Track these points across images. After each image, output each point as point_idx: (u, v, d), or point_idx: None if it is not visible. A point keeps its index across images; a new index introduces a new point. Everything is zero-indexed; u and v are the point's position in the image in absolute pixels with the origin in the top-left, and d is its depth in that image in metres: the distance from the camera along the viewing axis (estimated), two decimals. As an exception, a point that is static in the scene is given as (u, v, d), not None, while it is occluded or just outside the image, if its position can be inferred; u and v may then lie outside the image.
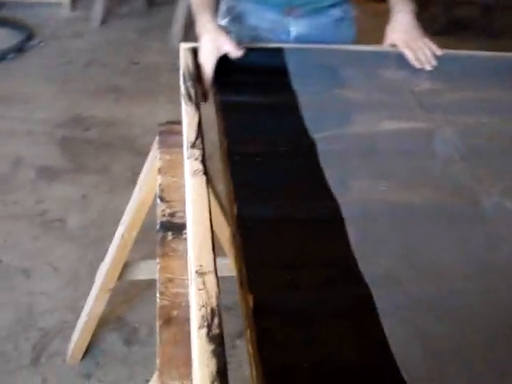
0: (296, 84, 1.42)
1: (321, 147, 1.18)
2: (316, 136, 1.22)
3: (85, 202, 2.46)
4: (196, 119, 1.19)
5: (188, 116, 1.20)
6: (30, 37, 3.92)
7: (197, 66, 1.43)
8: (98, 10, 4.28)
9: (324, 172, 1.11)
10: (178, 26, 3.96)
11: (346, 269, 0.89)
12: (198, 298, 0.77)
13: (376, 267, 0.89)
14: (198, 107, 1.24)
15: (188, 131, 1.14)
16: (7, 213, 2.40)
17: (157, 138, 1.45)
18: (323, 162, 1.14)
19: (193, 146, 1.09)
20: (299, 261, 0.90)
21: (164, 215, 1.15)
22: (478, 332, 0.80)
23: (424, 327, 0.80)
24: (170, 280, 1.00)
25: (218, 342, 0.72)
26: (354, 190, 1.09)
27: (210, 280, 0.80)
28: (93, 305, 1.69)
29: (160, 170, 1.31)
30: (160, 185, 1.26)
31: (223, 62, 1.43)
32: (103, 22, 4.31)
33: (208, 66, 1.40)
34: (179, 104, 1.26)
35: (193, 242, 0.88)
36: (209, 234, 0.89)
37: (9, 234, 2.28)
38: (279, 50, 1.54)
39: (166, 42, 3.99)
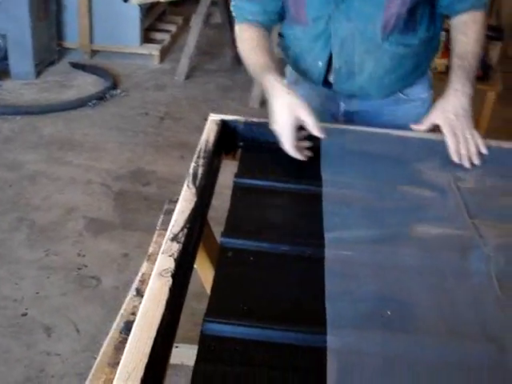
0: (326, 172, 1.27)
1: (329, 253, 1.02)
2: (329, 236, 1.06)
3: (125, 261, 2.38)
4: (191, 205, 1.06)
5: (183, 201, 1.07)
6: (113, 86, 3.99)
7: (218, 144, 1.32)
8: (183, 64, 4.33)
9: (325, 282, 0.95)
10: (258, 89, 3.91)
11: None
12: None
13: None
14: (201, 191, 1.12)
15: (176, 219, 1.01)
16: (47, 263, 2.35)
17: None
18: (328, 271, 0.98)
19: (174, 238, 0.96)
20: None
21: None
22: None
23: None
24: None
25: None
26: (350, 318, 0.90)
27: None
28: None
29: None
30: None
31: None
32: (188, 76, 4.34)
33: (285, 138, 1.28)
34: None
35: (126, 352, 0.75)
36: (148, 349, 0.75)
37: (42, 287, 2.23)
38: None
39: (245, 103, 3.95)
